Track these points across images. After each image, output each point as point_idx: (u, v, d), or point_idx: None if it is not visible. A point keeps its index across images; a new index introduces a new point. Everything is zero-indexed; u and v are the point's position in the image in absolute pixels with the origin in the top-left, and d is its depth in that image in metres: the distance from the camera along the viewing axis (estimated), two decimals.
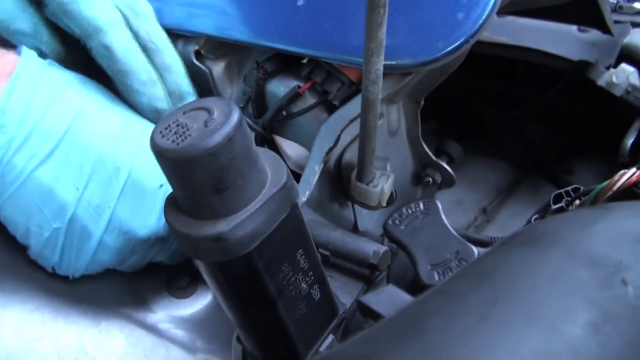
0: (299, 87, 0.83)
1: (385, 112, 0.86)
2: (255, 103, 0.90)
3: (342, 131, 0.76)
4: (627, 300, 0.36)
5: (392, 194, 0.79)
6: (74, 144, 0.74)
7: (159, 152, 0.52)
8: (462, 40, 0.64)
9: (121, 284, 0.88)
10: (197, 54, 0.97)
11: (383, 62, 0.63)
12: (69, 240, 0.75)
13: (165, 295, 0.89)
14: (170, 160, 0.52)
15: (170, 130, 0.53)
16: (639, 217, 0.44)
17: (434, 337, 0.34)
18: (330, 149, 0.75)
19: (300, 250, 0.62)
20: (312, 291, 0.65)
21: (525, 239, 0.43)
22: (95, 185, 0.74)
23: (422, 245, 0.63)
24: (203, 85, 0.98)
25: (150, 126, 0.83)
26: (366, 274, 0.77)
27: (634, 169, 0.79)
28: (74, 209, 0.74)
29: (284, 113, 0.86)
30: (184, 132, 0.52)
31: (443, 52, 0.65)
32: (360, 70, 0.67)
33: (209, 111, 0.53)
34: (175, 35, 0.99)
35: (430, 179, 0.98)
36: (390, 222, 0.65)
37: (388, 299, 0.55)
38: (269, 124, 0.87)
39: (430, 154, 0.97)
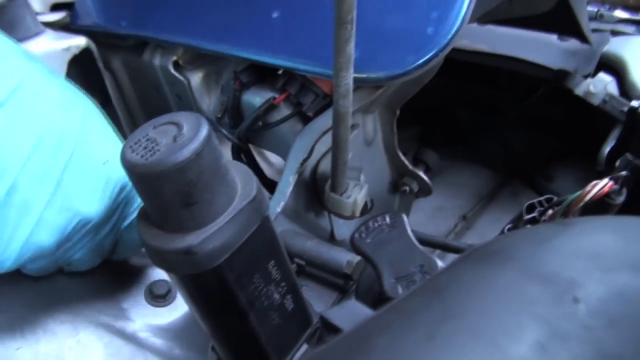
0: (274, 98, 0.84)
1: (361, 122, 0.87)
2: (232, 113, 0.91)
3: (315, 142, 0.77)
4: (578, 318, 0.36)
5: (366, 203, 0.79)
6: (20, 109, 0.67)
7: (128, 167, 0.52)
8: (431, 54, 0.65)
9: (101, 292, 0.88)
10: (176, 65, 0.97)
11: (353, 76, 0.64)
12: (4, 214, 0.66)
13: (144, 304, 0.89)
14: (139, 175, 0.52)
15: (140, 145, 0.53)
16: (596, 234, 0.44)
17: (380, 355, 0.35)
18: (305, 160, 0.76)
19: (272, 262, 0.63)
20: (285, 301, 0.65)
21: (482, 255, 0.44)
22: (41, 154, 0.67)
23: (387, 259, 0.63)
24: (181, 94, 0.99)
25: (89, 101, 0.77)
26: (340, 283, 0.77)
27: (605, 180, 0.80)
28: (16, 177, 0.66)
29: (260, 123, 0.87)
30: (153, 147, 0.53)
31: (413, 65, 0.66)
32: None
33: (178, 126, 0.54)
34: (154, 45, 1.00)
35: (408, 188, 0.99)
36: (357, 235, 0.66)
37: (349, 313, 0.56)
38: (245, 134, 0.88)
39: (407, 163, 0.98)
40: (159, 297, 0.89)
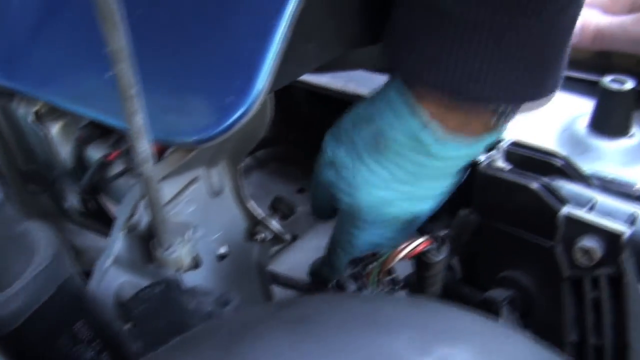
0: (108, 155, 0.88)
1: (203, 175, 0.89)
2: (76, 167, 0.94)
3: (139, 201, 0.79)
4: None
5: (196, 256, 0.82)
6: None
7: None
8: (230, 122, 0.68)
9: None
10: (37, 115, 0.99)
11: (166, 139, 0.68)
12: None
13: None
14: None
15: None
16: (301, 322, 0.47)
17: None
18: (129, 218, 0.79)
19: (80, 322, 0.65)
20: (100, 358, 0.68)
21: (183, 341, 0.47)
22: None
23: (150, 327, 0.65)
24: (43, 143, 1.00)
25: None
26: None
27: (421, 239, 0.80)
28: None
29: (100, 178, 0.89)
30: None
31: (214, 132, 0.69)
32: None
33: None
34: (19, 97, 1.02)
35: (263, 235, 1.01)
36: (129, 303, 0.68)
37: None
38: (88, 187, 0.90)
39: (259, 211, 1.00)
40: None
